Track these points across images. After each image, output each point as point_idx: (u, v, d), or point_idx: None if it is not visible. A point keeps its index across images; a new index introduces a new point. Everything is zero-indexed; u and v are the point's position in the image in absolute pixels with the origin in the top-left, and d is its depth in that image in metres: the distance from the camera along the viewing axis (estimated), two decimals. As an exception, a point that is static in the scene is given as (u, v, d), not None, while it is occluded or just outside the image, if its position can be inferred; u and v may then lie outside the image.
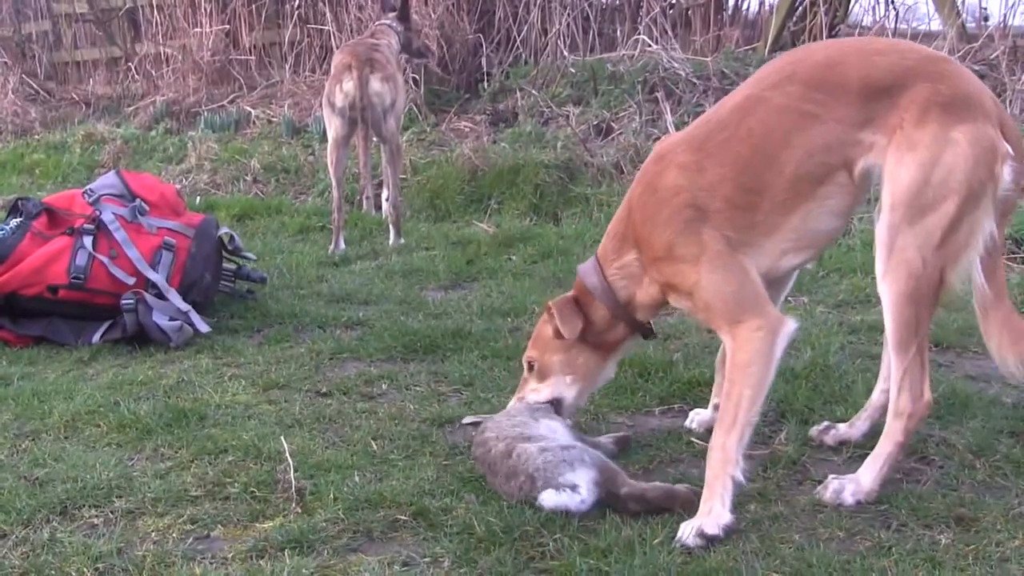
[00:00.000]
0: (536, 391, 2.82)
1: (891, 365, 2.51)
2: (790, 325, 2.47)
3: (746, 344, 2.43)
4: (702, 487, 2.46)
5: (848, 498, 2.46)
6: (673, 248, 2.52)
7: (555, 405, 2.80)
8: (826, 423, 2.88)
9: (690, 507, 2.40)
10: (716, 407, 2.91)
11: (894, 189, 2.40)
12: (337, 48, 7.25)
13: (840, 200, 2.51)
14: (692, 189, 2.50)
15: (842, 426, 2.85)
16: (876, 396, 2.84)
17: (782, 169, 2.47)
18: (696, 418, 3.00)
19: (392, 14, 6.18)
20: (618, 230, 2.69)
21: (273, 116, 8.72)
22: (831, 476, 2.54)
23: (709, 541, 2.27)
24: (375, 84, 5.41)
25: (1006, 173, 2.41)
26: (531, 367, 2.84)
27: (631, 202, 2.65)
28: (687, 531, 2.30)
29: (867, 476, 2.49)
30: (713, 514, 2.32)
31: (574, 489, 2.40)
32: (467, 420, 2.94)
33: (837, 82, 2.47)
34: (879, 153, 2.44)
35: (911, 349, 2.44)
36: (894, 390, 2.49)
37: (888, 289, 2.43)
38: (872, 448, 2.75)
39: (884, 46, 2.70)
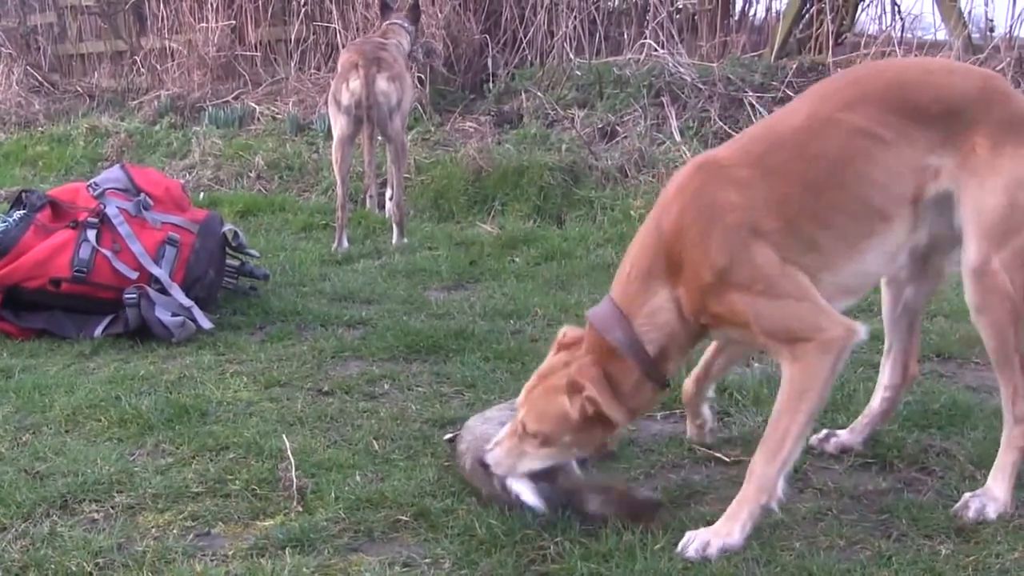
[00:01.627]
0: (533, 457, 2.41)
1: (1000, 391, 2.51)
2: (860, 333, 2.33)
3: (809, 367, 2.29)
4: (702, 491, 2.46)
5: (991, 514, 2.41)
6: (727, 274, 2.29)
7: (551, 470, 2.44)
8: (827, 431, 2.87)
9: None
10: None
11: (981, 217, 2.37)
12: (343, 46, 7.25)
13: (897, 239, 2.41)
14: (748, 208, 2.30)
15: (842, 433, 2.85)
16: (876, 403, 2.84)
17: (850, 198, 2.36)
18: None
19: (398, 14, 6.16)
20: (641, 265, 2.37)
21: (278, 113, 8.71)
22: (966, 494, 2.47)
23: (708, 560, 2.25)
24: (381, 83, 5.41)
25: None
26: (537, 437, 2.39)
27: (662, 226, 2.36)
28: (692, 543, 2.27)
29: (999, 489, 2.45)
30: (728, 537, 2.27)
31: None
32: (448, 437, 2.87)
33: (914, 104, 2.39)
34: (950, 178, 2.39)
35: (1015, 363, 2.44)
36: (1007, 402, 2.47)
37: (985, 321, 2.41)
38: (874, 455, 2.77)
39: (955, 66, 2.66)
